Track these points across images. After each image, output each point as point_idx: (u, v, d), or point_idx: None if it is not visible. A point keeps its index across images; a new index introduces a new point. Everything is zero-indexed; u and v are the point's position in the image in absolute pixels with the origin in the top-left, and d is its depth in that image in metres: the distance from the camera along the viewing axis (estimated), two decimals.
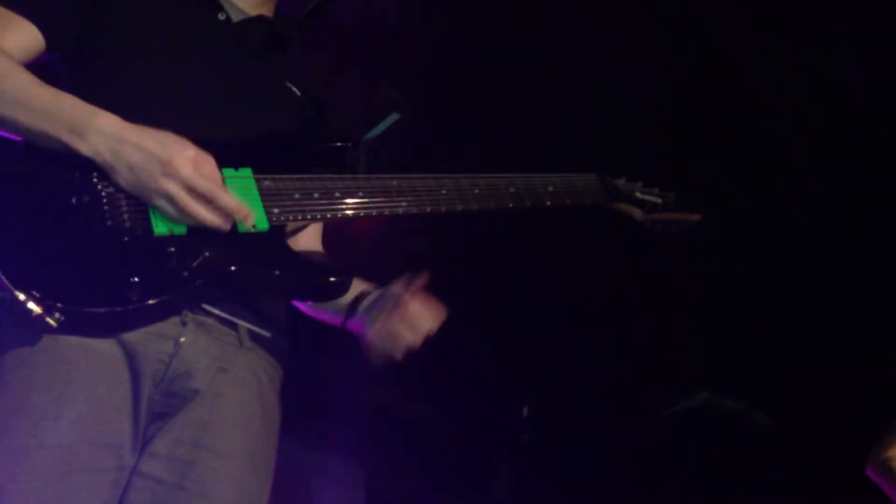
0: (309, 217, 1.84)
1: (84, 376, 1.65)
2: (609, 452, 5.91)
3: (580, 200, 2.23)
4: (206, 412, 1.74)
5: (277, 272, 1.79)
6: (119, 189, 1.67)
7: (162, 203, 1.65)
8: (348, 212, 1.86)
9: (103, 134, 1.65)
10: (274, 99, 2.02)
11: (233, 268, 1.72)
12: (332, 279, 1.85)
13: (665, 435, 5.69)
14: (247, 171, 1.79)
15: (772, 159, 4.38)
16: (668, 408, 5.77)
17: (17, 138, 1.72)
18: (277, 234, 1.83)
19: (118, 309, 1.61)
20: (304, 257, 1.95)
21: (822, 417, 5.19)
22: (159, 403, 1.73)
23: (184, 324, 1.74)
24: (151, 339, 1.70)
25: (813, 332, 4.91)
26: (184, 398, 1.74)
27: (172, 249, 1.66)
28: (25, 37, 1.79)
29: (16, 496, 1.56)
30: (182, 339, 1.73)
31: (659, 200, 2.40)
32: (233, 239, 1.71)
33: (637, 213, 2.37)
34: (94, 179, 1.67)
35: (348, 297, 1.98)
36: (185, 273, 1.66)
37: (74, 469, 1.61)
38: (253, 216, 1.72)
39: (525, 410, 6.04)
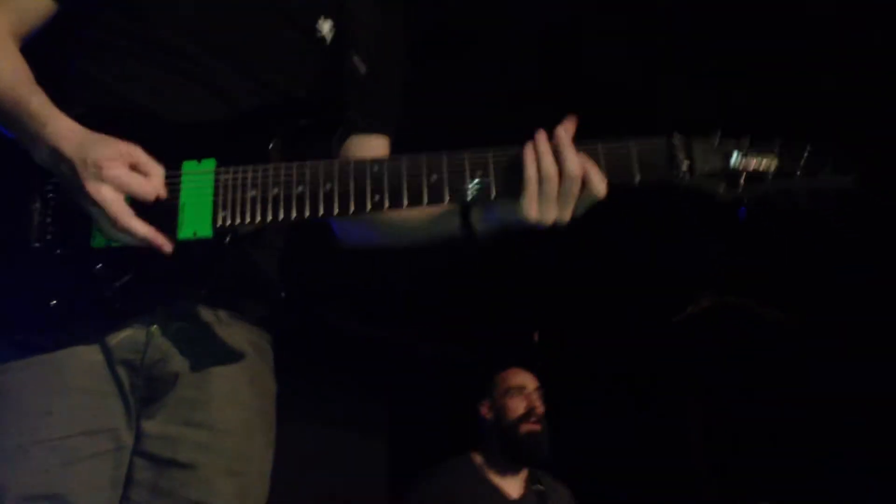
0: (259, 220, 1.63)
1: (67, 373, 1.64)
2: (628, 364, 5.91)
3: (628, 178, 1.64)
4: (192, 391, 1.71)
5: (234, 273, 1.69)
6: (65, 201, 1.64)
7: (96, 218, 1.60)
8: (309, 213, 1.62)
9: (47, 145, 1.60)
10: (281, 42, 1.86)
11: (178, 277, 1.65)
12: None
13: (680, 339, 5.68)
14: (209, 164, 1.65)
15: None
16: (678, 314, 5.74)
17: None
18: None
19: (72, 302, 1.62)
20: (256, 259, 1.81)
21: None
22: (144, 389, 1.70)
23: (153, 312, 1.70)
24: (122, 331, 1.68)
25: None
26: (166, 382, 1.71)
27: (108, 262, 1.63)
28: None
29: (20, 494, 1.57)
30: (153, 328, 1.70)
31: (772, 164, 1.60)
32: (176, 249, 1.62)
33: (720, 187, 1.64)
34: (49, 187, 1.65)
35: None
36: (115, 288, 1.62)
37: (74, 458, 1.60)
38: (168, 246, 1.60)
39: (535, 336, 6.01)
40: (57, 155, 1.59)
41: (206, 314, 1.74)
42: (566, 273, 5.64)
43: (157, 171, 1.61)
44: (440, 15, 3.93)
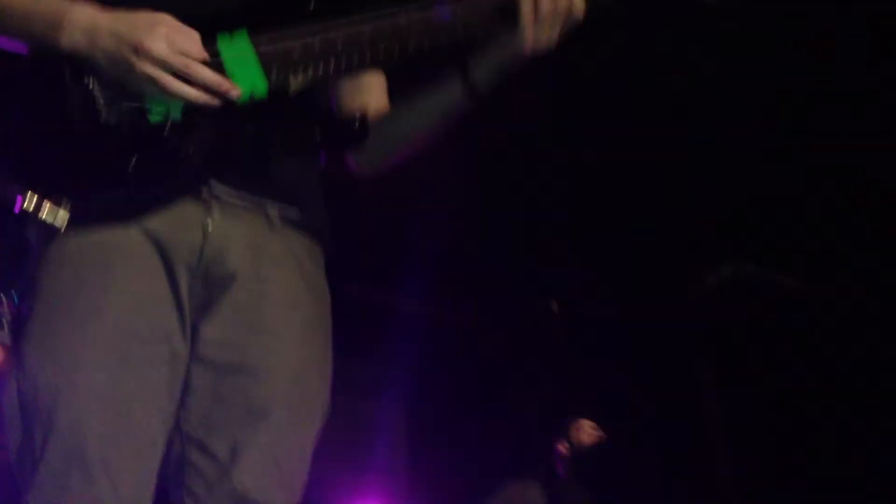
0: (311, 74, 1.67)
1: (120, 274, 1.62)
2: (649, 339, 5.88)
3: None
4: (249, 294, 1.69)
5: (293, 133, 1.72)
6: (110, 81, 1.62)
7: (148, 87, 1.59)
8: (357, 64, 1.67)
9: (77, 26, 1.59)
10: None
11: (241, 138, 1.67)
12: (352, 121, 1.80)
13: (701, 312, 5.63)
14: (241, 35, 1.65)
15: None
16: (696, 286, 5.70)
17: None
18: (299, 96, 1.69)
19: (123, 195, 1.61)
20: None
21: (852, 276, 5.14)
22: (201, 293, 1.68)
23: (208, 210, 1.68)
24: (178, 230, 1.65)
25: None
26: (223, 284, 1.68)
27: (172, 133, 1.62)
28: None
29: (72, 392, 1.55)
30: (209, 227, 1.67)
31: None
32: (236, 110, 1.63)
33: None
34: (85, 76, 1.62)
35: None
36: (189, 153, 1.63)
37: (128, 360, 1.58)
38: (236, 89, 1.61)
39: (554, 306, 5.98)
40: (94, 30, 1.58)
41: (261, 215, 1.72)
42: (576, 252, 5.64)
43: (192, 31, 1.60)
44: None
